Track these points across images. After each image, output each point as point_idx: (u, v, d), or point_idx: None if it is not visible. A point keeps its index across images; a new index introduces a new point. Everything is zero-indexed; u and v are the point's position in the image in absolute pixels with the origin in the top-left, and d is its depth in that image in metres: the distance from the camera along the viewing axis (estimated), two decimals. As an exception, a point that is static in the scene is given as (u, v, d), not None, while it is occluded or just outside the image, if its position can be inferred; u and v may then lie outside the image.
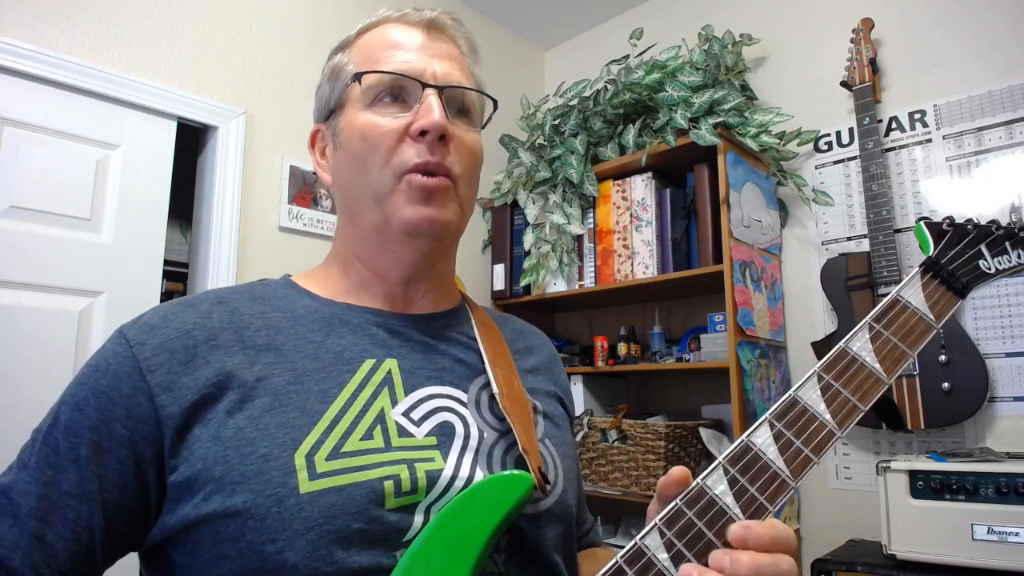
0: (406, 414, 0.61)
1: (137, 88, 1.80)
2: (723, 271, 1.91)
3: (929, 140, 1.94)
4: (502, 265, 2.54)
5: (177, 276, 2.45)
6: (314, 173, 0.77)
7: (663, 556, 0.49)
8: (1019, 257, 0.66)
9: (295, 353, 0.62)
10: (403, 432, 0.60)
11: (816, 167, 2.16)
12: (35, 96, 1.65)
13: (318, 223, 2.16)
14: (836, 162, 2.12)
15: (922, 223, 0.66)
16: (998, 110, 1.84)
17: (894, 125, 2.01)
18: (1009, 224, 0.67)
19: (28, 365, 1.57)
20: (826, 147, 2.15)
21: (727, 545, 0.49)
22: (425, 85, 0.66)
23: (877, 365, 0.56)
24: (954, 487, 1.42)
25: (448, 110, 0.66)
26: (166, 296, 2.40)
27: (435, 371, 0.66)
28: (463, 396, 0.66)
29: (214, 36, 2.00)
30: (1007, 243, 0.66)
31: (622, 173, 2.27)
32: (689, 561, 0.49)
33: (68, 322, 1.66)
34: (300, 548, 0.52)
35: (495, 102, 0.74)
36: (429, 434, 0.61)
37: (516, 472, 0.57)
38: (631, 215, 2.21)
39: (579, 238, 2.36)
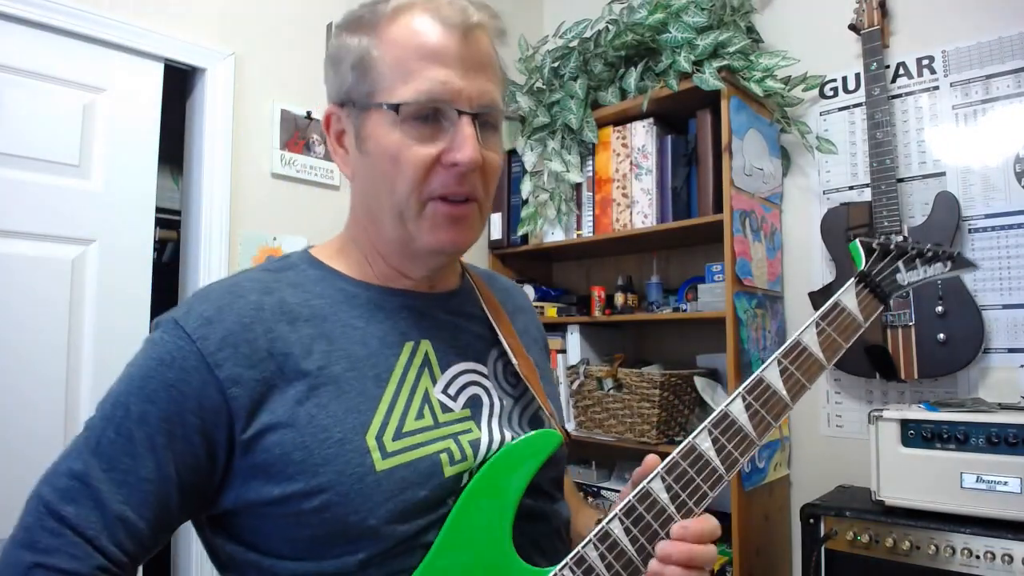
0: (444, 391, 0.71)
1: (121, 28, 1.73)
2: (723, 220, 1.89)
3: (936, 87, 1.90)
4: (499, 214, 2.51)
5: (170, 224, 2.41)
6: (328, 146, 0.77)
7: (665, 496, 0.65)
8: (925, 272, 0.82)
9: (344, 340, 0.68)
10: (445, 408, 0.70)
11: (820, 114, 2.12)
12: (17, 38, 1.58)
13: (311, 169, 2.12)
14: (841, 109, 2.08)
15: (857, 241, 0.81)
16: (1007, 57, 1.79)
17: (901, 71, 1.96)
18: (919, 245, 0.82)
19: (22, 314, 1.56)
20: (831, 93, 2.10)
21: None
22: (461, 112, 0.65)
23: (820, 354, 0.72)
24: (945, 436, 1.44)
25: (480, 130, 0.67)
26: (159, 245, 2.37)
27: (461, 348, 0.75)
28: (484, 369, 0.76)
29: (200, -28, 1.92)
30: (917, 260, 0.82)
31: (623, 119, 2.21)
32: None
33: (62, 271, 1.64)
34: (380, 515, 0.62)
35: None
36: (464, 407, 0.72)
37: (548, 430, 0.71)
38: (631, 163, 2.17)
39: (577, 186, 2.32)
